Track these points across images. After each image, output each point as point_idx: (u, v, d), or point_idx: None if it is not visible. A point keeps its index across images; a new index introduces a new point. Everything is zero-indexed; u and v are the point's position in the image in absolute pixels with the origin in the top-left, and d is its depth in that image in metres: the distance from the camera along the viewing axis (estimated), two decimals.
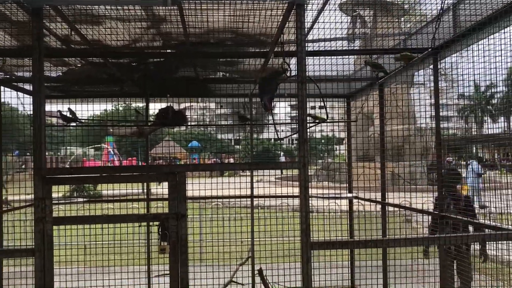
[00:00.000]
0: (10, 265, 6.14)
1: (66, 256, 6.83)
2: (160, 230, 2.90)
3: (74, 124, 6.41)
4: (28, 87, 6.20)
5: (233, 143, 54.02)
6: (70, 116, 6.33)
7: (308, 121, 5.13)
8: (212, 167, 3.70)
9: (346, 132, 7.40)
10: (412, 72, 5.76)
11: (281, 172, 34.02)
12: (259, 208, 9.12)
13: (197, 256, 8.34)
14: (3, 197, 5.86)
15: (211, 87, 6.69)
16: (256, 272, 6.49)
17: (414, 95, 7.88)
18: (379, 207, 6.23)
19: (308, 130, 4.18)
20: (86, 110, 6.99)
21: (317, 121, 5.57)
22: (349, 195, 6.97)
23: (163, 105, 6.67)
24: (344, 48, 5.13)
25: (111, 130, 6.81)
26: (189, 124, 7.15)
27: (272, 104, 4.64)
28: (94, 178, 3.05)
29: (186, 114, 6.86)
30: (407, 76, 5.63)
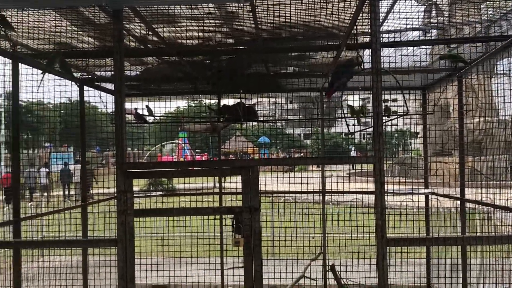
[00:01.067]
0: (94, 254, 6.51)
1: (146, 247, 7.15)
2: (234, 223, 2.97)
3: (150, 121, 6.70)
4: (109, 86, 6.54)
5: (302, 138, 53.86)
6: (147, 113, 6.62)
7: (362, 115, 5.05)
8: (284, 161, 3.70)
9: (422, 125, 7.13)
10: (495, 61, 5.43)
11: (353, 167, 33.52)
12: (331, 204, 9.03)
13: (269, 250, 8.43)
14: (90, 191, 6.25)
15: (282, 82, 6.71)
16: (328, 267, 6.45)
17: (496, 85, 7.42)
18: (457, 203, 5.95)
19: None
20: (159, 107, 7.27)
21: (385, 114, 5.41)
22: (426, 191, 6.71)
23: (231, 101, 6.81)
24: (420, 38, 4.93)
25: (186, 126, 7.03)
26: (259, 119, 7.21)
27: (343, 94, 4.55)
28: (172, 172, 3.17)
29: (257, 109, 6.94)
30: (489, 65, 5.31)
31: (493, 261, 5.71)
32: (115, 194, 3.02)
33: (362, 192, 6.96)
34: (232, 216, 2.97)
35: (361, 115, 5.98)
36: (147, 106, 6.57)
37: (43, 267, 6.15)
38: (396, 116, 5.53)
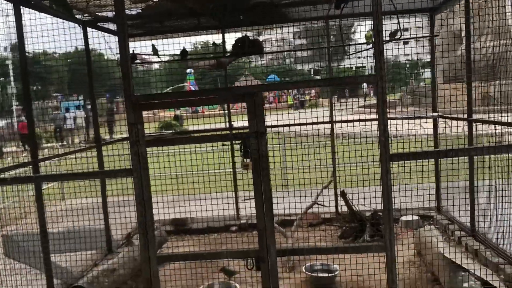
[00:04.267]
0: (113, 195, 6.74)
1: (161, 186, 7.34)
2: (242, 148, 3.06)
3: (157, 60, 6.71)
4: (112, 27, 6.51)
5: (312, 74, 53.17)
6: (152, 52, 6.63)
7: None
8: (285, 85, 3.72)
9: (430, 50, 7.04)
10: None
11: (364, 100, 33.27)
12: (342, 136, 9.10)
13: (281, 182, 8.63)
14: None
15: (286, 12, 6.60)
16: (339, 193, 6.63)
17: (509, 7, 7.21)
18: (466, 128, 5.96)
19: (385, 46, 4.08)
20: (162, 50, 7.24)
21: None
22: (434, 114, 6.74)
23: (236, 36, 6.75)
24: None
25: (194, 64, 7.04)
26: (265, 52, 7.17)
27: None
28: (178, 102, 3.24)
29: (262, 43, 6.89)
30: None
31: (499, 181, 5.82)
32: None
33: (366, 120, 6.99)
34: (240, 141, 3.06)
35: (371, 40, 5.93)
36: (152, 45, 6.57)
37: (65, 210, 6.41)
38: (401, 39, 5.47)
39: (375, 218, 6.24)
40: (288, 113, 7.30)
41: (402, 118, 6.38)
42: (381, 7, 2.92)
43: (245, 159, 3.06)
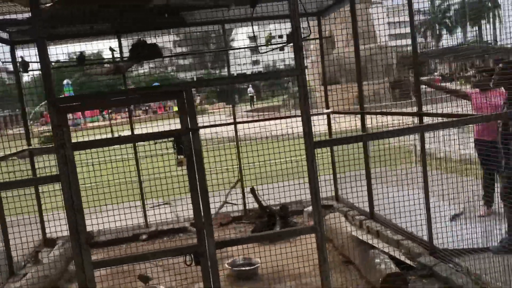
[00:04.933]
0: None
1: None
2: (175, 146, 3.09)
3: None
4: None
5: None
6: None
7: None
8: (216, 82, 3.77)
9: (319, 52, 7.56)
10: None
11: (251, 105, 34.15)
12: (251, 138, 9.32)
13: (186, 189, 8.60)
14: None
15: (186, 16, 6.65)
16: (248, 191, 6.83)
17: (373, 14, 7.97)
18: (357, 123, 6.51)
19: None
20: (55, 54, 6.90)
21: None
22: (326, 110, 7.28)
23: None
24: None
25: (88, 71, 6.77)
26: (164, 56, 7.15)
27: None
28: (100, 103, 3.17)
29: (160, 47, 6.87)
30: None
31: (393, 167, 6.47)
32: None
33: (271, 119, 7.30)
34: (173, 139, 3.09)
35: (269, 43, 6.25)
36: (21, 58, 6.26)
37: None
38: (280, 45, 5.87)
39: (284, 211, 6.54)
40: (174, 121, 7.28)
41: (296, 116, 6.80)
42: (298, 6, 3.16)
43: (179, 156, 3.09)
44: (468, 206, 5.83)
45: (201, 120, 6.90)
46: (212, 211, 6.75)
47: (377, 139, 3.50)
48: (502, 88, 5.59)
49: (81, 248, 3.04)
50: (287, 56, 7.32)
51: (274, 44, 6.32)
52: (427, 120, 4.97)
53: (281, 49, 6.85)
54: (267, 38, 6.30)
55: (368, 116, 6.23)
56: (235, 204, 6.81)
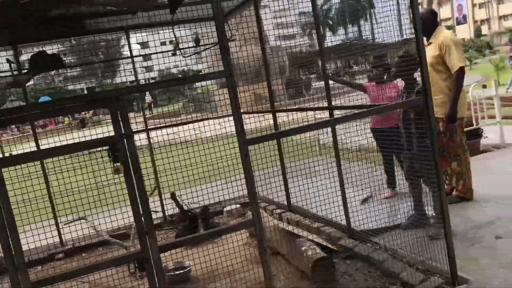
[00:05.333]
0: None
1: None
2: (110, 154, 3.05)
3: None
4: None
5: (86, 92, 50.90)
6: None
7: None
8: (145, 87, 3.70)
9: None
10: None
11: (150, 112, 33.44)
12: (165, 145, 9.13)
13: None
14: None
15: (87, 24, 6.45)
16: (168, 197, 6.80)
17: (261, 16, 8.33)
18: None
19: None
20: None
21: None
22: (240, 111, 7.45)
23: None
24: None
25: None
26: (67, 66, 6.87)
27: None
28: (19, 118, 3.04)
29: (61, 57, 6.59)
30: None
31: (306, 161, 6.82)
32: None
33: (177, 125, 7.28)
34: (108, 147, 3.04)
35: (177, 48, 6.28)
36: None
37: None
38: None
39: (205, 213, 6.62)
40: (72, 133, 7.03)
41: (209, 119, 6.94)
42: (222, 10, 3.28)
43: (115, 164, 3.05)
44: (374, 190, 6.35)
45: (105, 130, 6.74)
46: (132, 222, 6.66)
47: (302, 132, 3.73)
48: (395, 81, 6.19)
49: (17, 268, 2.89)
50: (184, 63, 7.35)
51: (183, 48, 6.36)
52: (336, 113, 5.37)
53: (173, 54, 6.90)
54: (174, 44, 6.32)
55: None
56: (156, 212, 6.73)
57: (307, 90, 20.20)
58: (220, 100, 7.50)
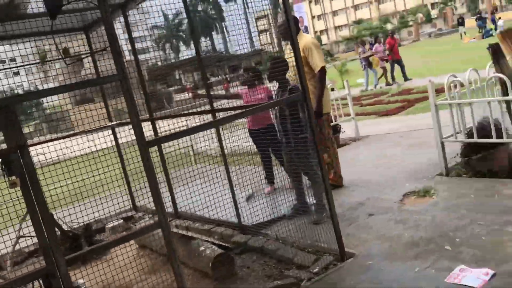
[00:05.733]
0: None
1: None
2: (3, 167, 2.84)
3: None
4: None
5: None
6: None
7: None
8: (41, 93, 3.43)
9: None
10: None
11: None
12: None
13: None
14: None
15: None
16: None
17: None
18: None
19: None
20: None
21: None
22: (110, 124, 7.28)
23: None
24: None
25: None
26: None
27: None
28: None
29: None
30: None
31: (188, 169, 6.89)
32: None
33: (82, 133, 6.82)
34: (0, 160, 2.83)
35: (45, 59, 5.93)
36: None
37: None
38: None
39: (89, 231, 6.33)
40: None
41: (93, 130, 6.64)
42: (109, 15, 3.27)
43: (10, 178, 2.85)
44: (255, 188, 6.68)
45: None
46: (5, 251, 6.07)
47: (195, 133, 3.86)
48: (264, 84, 6.63)
49: None
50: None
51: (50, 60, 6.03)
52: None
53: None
54: (41, 55, 5.94)
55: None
56: (32, 237, 6.21)
57: (169, 102, 20.27)
58: (76, 118, 7.21)
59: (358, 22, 63.77)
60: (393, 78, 18.79)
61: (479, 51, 15.20)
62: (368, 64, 19.44)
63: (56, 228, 6.16)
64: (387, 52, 19.14)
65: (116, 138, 7.49)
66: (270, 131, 6.13)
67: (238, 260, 5.00)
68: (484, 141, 5.46)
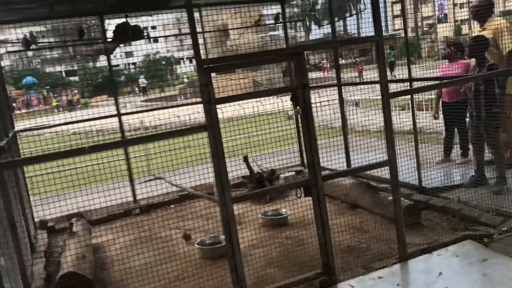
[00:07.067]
0: None
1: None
2: (291, 99, 3.78)
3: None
4: None
5: (64, 75, 49.98)
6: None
7: None
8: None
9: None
10: None
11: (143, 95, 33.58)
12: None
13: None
14: None
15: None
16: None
17: None
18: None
19: None
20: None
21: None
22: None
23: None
24: None
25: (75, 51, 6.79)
26: (149, 37, 7.41)
27: None
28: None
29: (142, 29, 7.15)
30: None
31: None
32: None
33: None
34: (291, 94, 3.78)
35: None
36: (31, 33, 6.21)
37: None
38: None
39: (273, 174, 7.36)
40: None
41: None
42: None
43: (297, 107, 3.77)
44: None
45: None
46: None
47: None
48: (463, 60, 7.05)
49: (224, 188, 3.56)
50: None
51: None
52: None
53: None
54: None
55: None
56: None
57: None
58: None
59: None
60: None
61: None
62: None
63: (248, 168, 7.24)
64: None
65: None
66: (461, 106, 6.60)
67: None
68: None
